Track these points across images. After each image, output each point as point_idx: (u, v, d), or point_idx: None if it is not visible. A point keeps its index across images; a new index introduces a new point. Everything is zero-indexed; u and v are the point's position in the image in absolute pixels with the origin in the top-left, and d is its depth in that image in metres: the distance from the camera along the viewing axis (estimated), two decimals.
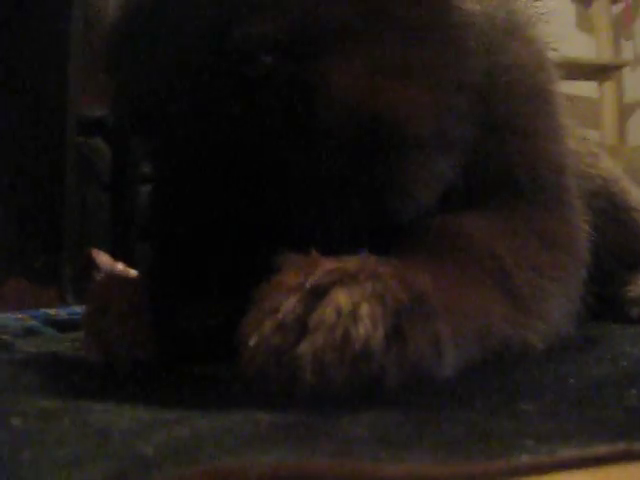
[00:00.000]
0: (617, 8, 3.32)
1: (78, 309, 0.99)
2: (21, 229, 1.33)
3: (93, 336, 0.59)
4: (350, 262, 0.45)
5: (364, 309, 0.42)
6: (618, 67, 3.23)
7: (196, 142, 0.52)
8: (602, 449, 0.31)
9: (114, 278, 0.70)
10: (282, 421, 0.37)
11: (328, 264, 0.45)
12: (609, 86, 3.20)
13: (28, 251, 1.29)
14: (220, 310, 0.48)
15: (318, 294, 0.43)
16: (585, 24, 3.33)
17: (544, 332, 0.58)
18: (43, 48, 1.31)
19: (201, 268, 0.50)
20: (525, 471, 0.28)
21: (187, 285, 0.50)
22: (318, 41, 0.51)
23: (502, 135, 0.62)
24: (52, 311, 0.94)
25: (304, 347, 0.41)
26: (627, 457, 0.30)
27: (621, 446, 0.31)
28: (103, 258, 1.46)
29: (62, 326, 0.91)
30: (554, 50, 0.71)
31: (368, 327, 0.42)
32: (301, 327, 0.42)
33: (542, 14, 0.71)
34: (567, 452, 0.30)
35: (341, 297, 0.42)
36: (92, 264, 1.41)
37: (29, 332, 0.85)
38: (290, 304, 0.43)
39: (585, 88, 3.14)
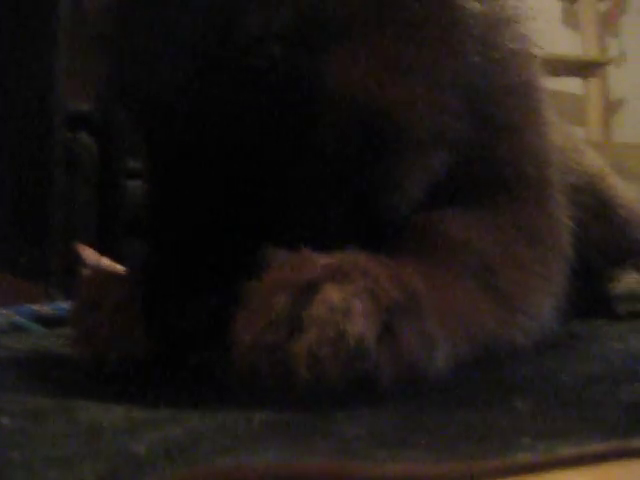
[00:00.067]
0: (603, 5, 3.34)
1: (63, 304, 0.98)
2: (6, 224, 1.32)
3: (81, 333, 0.59)
4: (340, 258, 0.45)
5: (356, 305, 0.42)
6: (603, 64, 3.25)
7: (196, 132, 0.52)
8: (599, 446, 0.30)
9: (101, 274, 0.70)
10: (276, 419, 0.37)
11: (319, 260, 0.44)
12: (594, 83, 3.22)
13: (14, 246, 1.28)
14: (212, 305, 0.48)
15: (310, 290, 0.42)
16: (571, 20, 3.35)
17: (530, 329, 0.58)
18: (30, 43, 1.29)
19: (195, 263, 0.50)
20: (524, 469, 0.28)
21: (181, 281, 0.49)
22: (324, 34, 0.51)
23: (487, 130, 0.62)
24: (37, 306, 0.93)
25: (298, 344, 0.41)
26: (624, 454, 0.30)
27: (617, 443, 0.31)
28: (89, 253, 1.45)
29: (47, 322, 0.90)
30: (539, 46, 0.71)
31: (361, 324, 0.41)
32: (294, 324, 0.42)
33: (528, 10, 0.71)
34: (565, 450, 0.30)
35: (333, 293, 0.42)
36: (78, 259, 1.40)
37: (14, 328, 0.84)
38: (282, 301, 0.42)
39: (570, 84, 3.15)
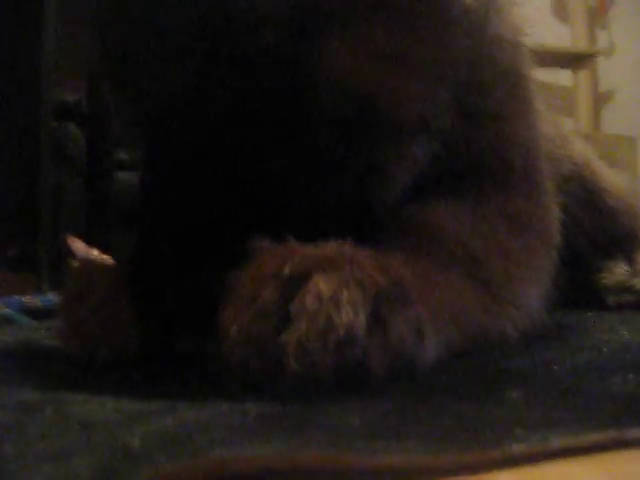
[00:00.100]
0: None
1: (52, 296, 0.97)
2: None
3: (70, 325, 0.58)
4: (327, 248, 0.45)
5: (345, 295, 0.42)
6: (593, 56, 3.26)
7: (190, 119, 0.51)
8: (594, 437, 0.31)
9: (90, 265, 0.69)
10: (270, 411, 0.37)
11: (305, 250, 0.44)
12: (584, 75, 3.23)
13: (2, 238, 1.27)
14: (197, 289, 0.48)
15: (297, 281, 0.42)
16: (560, 12, 3.35)
17: (517, 319, 0.58)
18: (17, 33, 1.28)
19: (182, 250, 0.49)
20: (518, 460, 0.28)
21: (166, 267, 0.49)
22: (319, 21, 0.51)
23: (475, 120, 0.62)
24: (26, 298, 0.93)
25: (288, 335, 0.41)
26: (618, 445, 0.30)
27: (612, 434, 0.31)
28: (78, 245, 1.44)
29: (37, 314, 0.90)
30: (529, 37, 0.71)
31: (350, 313, 0.41)
32: (281, 315, 0.42)
33: (518, 1, 0.71)
34: (559, 441, 0.30)
35: (321, 283, 0.42)
36: (67, 251, 1.39)
37: (4, 320, 0.84)
38: (269, 292, 0.42)
39: (560, 76, 3.16)
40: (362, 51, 0.52)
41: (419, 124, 0.55)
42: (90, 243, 1.50)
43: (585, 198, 0.94)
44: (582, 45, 3.26)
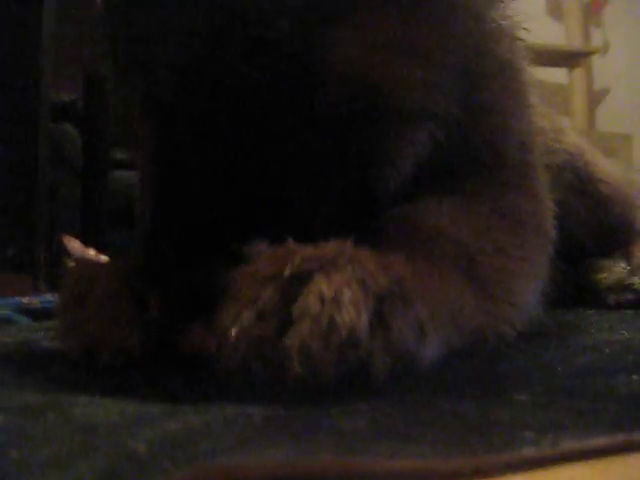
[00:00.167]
0: None
1: (51, 297, 0.97)
2: None
3: (70, 326, 0.58)
4: (327, 248, 0.44)
5: (346, 295, 0.41)
6: (588, 54, 3.26)
7: (202, 103, 0.51)
8: (602, 440, 0.30)
9: (89, 266, 0.68)
10: (275, 414, 0.37)
11: (304, 251, 0.44)
12: (579, 73, 3.23)
13: (0, 238, 1.26)
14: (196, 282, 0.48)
15: (298, 282, 0.42)
16: (555, 11, 3.35)
17: (514, 318, 0.58)
18: (14, 33, 1.27)
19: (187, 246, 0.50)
20: (530, 464, 0.28)
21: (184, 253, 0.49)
22: (330, 10, 0.51)
23: (471, 111, 0.62)
24: (25, 299, 0.92)
25: (291, 338, 0.40)
26: (627, 448, 0.30)
27: (620, 437, 0.31)
28: (74, 244, 1.43)
29: (35, 314, 0.89)
30: (524, 33, 0.72)
31: (352, 314, 0.41)
32: (283, 316, 0.41)
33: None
34: (569, 444, 0.29)
35: (322, 284, 0.42)
36: (63, 250, 1.39)
37: (3, 321, 0.83)
38: (269, 293, 0.42)
39: (555, 75, 3.16)
40: (372, 39, 0.53)
41: (422, 109, 0.56)
42: (86, 242, 1.50)
43: (580, 188, 0.95)
44: (577, 43, 3.27)
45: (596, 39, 3.37)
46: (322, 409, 0.37)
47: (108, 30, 0.57)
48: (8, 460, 0.29)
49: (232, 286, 0.43)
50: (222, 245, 0.48)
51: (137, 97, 0.57)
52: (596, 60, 3.31)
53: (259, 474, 0.26)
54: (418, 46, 0.55)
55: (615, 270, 0.95)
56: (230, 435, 0.33)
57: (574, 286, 0.93)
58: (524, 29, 0.71)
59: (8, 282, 1.18)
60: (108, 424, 0.36)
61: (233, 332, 0.41)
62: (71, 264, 1.18)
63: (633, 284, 0.93)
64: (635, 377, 0.44)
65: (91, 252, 1.42)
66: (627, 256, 0.98)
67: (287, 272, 0.42)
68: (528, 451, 0.28)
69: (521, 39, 0.71)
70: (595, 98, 3.31)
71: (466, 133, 0.62)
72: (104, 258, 1.26)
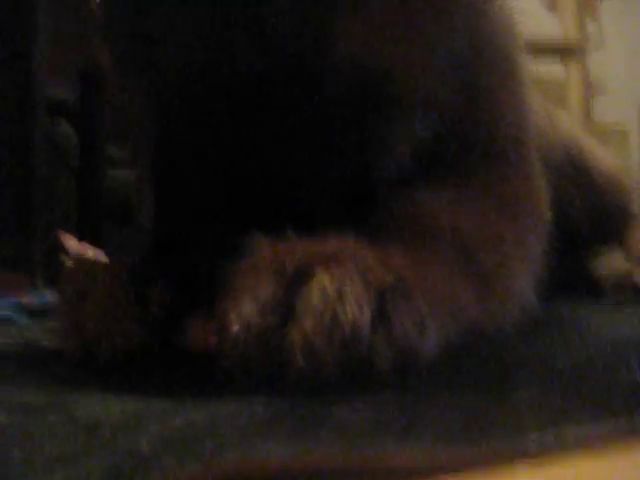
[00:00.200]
0: None
1: (48, 295, 0.97)
2: None
3: (69, 325, 0.57)
4: (328, 242, 0.44)
5: (349, 290, 0.41)
6: (583, 47, 3.26)
7: (205, 87, 0.51)
8: (605, 426, 0.30)
9: (86, 263, 0.68)
10: (278, 409, 0.36)
11: (306, 245, 0.44)
12: (575, 67, 3.23)
13: None
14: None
15: (300, 276, 0.42)
16: (550, 4, 3.35)
17: (510, 309, 0.58)
18: (9, 31, 1.27)
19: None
20: (533, 454, 0.28)
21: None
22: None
23: (471, 100, 0.63)
24: (24, 298, 0.92)
25: (293, 332, 0.40)
26: (631, 433, 0.30)
27: (623, 422, 0.31)
28: (71, 242, 1.43)
29: (33, 313, 0.89)
30: (520, 26, 0.72)
31: (355, 309, 0.41)
32: (285, 311, 0.41)
33: None
34: (573, 433, 0.29)
35: (325, 279, 0.42)
36: (60, 248, 1.38)
37: (2, 321, 0.83)
38: (271, 287, 0.42)
39: (551, 68, 3.15)
40: (375, 26, 0.53)
41: (423, 97, 0.56)
42: (82, 240, 1.49)
43: (574, 175, 0.95)
44: (572, 37, 3.26)
45: (592, 33, 3.36)
46: (324, 403, 0.37)
47: (108, 30, 0.57)
48: (12, 459, 0.29)
49: (233, 280, 0.43)
50: (222, 238, 0.48)
51: (138, 97, 0.57)
52: (592, 54, 3.30)
53: (264, 469, 0.26)
54: (421, 34, 0.55)
55: (614, 262, 0.96)
56: (233, 431, 0.32)
57: (572, 276, 0.93)
58: (521, 22, 0.72)
59: (5, 280, 1.18)
60: (111, 422, 0.36)
61: (235, 327, 0.41)
62: (69, 263, 1.18)
63: (632, 276, 0.93)
64: (637, 366, 0.44)
65: (88, 250, 1.41)
66: (624, 244, 0.99)
67: (289, 266, 0.42)
68: (531, 442, 0.28)
69: (519, 31, 0.71)
70: (591, 92, 3.31)
71: (465, 123, 0.62)
72: (102, 256, 1.25)
